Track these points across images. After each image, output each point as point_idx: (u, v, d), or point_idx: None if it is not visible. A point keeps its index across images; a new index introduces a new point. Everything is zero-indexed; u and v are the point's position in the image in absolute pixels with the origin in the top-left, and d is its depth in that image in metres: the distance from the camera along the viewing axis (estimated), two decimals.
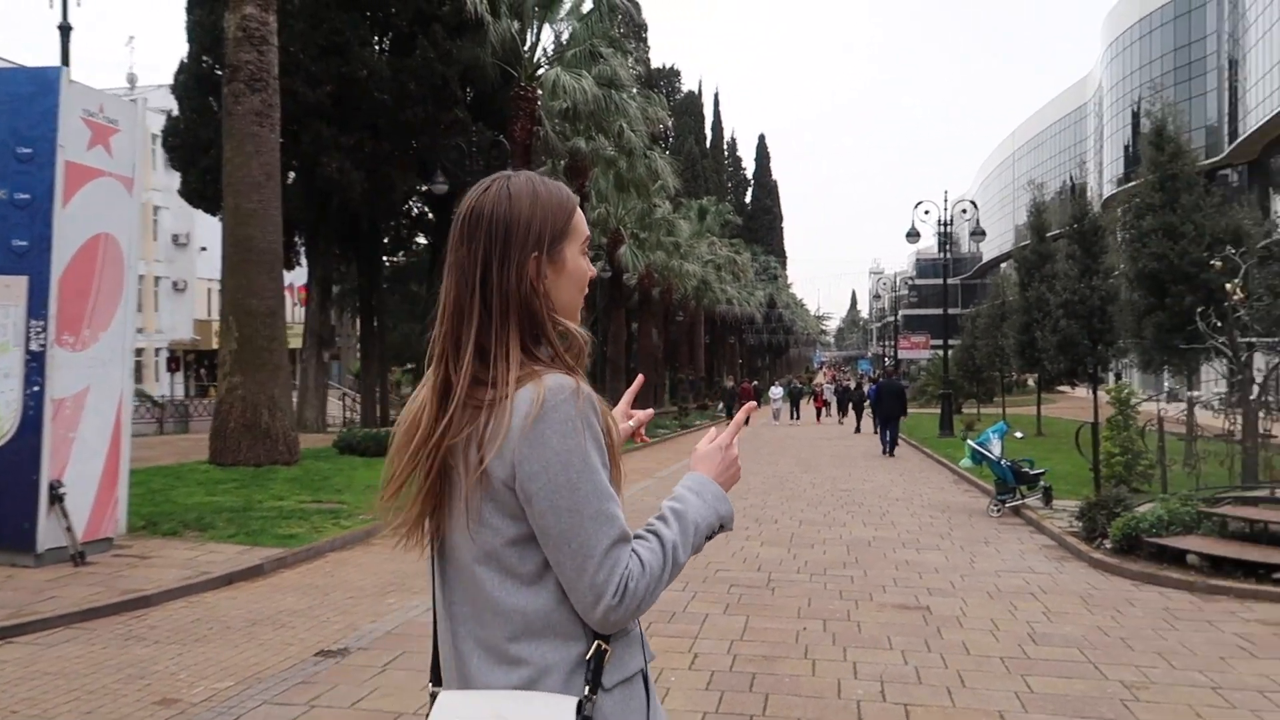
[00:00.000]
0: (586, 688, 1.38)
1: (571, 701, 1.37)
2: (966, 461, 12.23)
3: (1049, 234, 27.00)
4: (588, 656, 1.39)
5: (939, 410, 29.17)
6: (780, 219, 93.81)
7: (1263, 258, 14.35)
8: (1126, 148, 51.42)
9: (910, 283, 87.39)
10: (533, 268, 1.44)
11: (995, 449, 11.56)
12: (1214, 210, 16.77)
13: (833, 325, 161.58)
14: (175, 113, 23.70)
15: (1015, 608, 6.72)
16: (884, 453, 21.34)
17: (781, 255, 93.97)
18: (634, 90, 32.49)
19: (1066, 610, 6.65)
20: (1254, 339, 12.63)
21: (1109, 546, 8.55)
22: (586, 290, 1.55)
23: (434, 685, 1.52)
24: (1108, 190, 51.73)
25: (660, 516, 1.48)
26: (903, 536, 9.84)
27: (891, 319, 69.62)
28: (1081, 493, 10.93)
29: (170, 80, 23.74)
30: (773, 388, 34.45)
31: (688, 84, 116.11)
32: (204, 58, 22.29)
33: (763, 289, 71.15)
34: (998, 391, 35.13)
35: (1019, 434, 21.74)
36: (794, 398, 35.02)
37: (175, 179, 24.96)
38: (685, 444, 24.28)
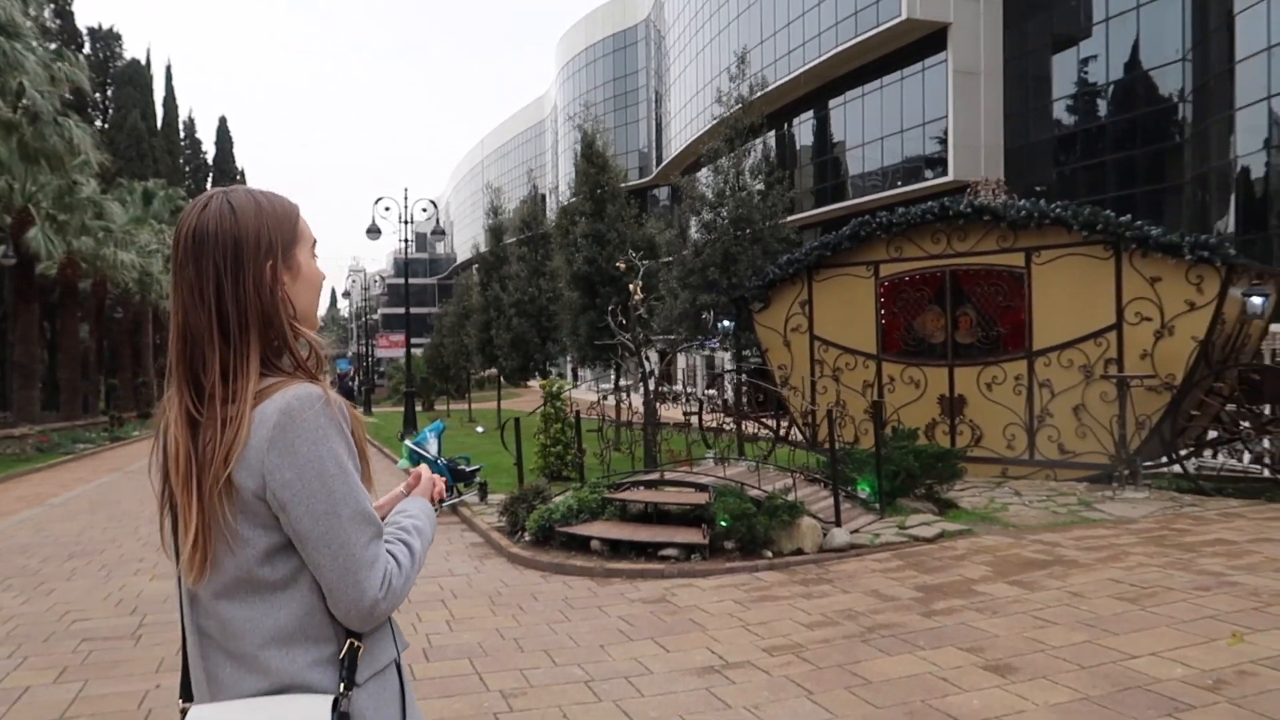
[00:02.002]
0: (341, 684, 1.43)
1: (327, 700, 1.41)
2: (404, 462, 11.89)
3: (512, 239, 28.20)
4: (341, 655, 1.45)
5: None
6: None
7: (667, 263, 16.21)
8: (576, 164, 56.66)
9: (386, 280, 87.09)
10: (269, 276, 1.48)
11: (432, 448, 11.36)
12: (634, 220, 18.70)
13: None
14: None
15: (420, 619, 6.35)
16: None
17: None
18: (48, 44, 27.33)
19: (472, 615, 6.45)
20: (655, 336, 14.12)
21: (527, 539, 8.71)
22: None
23: (184, 701, 1.54)
24: (563, 200, 56.53)
25: (403, 528, 1.58)
26: None
27: (366, 319, 68.62)
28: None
29: None
30: None
31: (133, 51, 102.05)
32: None
33: None
34: (469, 388, 36.15)
35: (480, 429, 22.27)
36: None
37: None
38: (114, 459, 20.87)
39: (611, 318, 10.74)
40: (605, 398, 10.71)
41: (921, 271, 11.95)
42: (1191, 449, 10.57)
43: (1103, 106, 26.61)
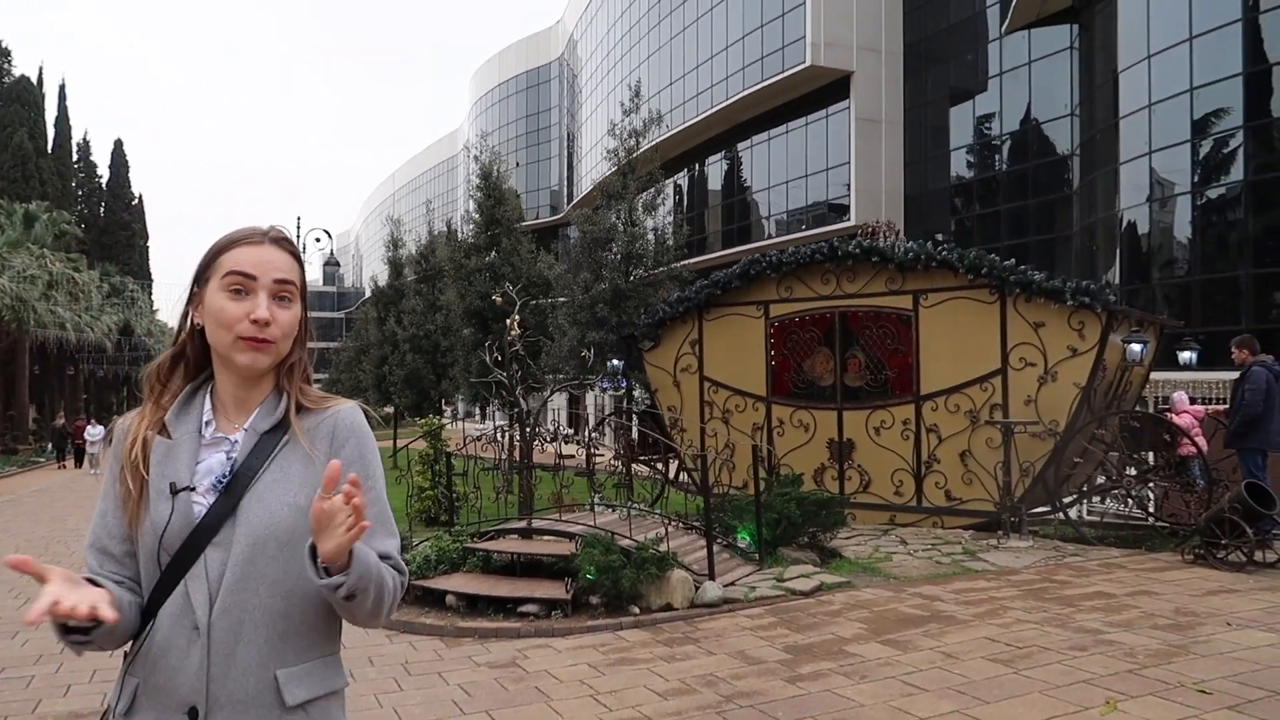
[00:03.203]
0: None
1: None
2: None
3: (412, 275, 27.39)
4: None
5: None
6: (144, 236, 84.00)
7: (561, 301, 15.70)
8: (471, 194, 55.96)
9: None
10: (191, 312, 1.61)
11: None
12: (531, 256, 18.19)
13: None
14: None
15: None
16: None
17: (146, 277, 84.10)
18: None
19: None
20: (547, 375, 13.53)
21: None
22: (242, 334, 1.53)
23: None
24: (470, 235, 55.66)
25: None
26: None
27: None
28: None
29: None
30: (90, 427, 28.51)
31: (24, 67, 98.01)
32: None
33: (114, 314, 62.38)
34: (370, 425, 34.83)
35: None
36: None
37: None
38: None
39: (488, 354, 10.16)
40: (478, 437, 10.08)
41: (811, 312, 11.71)
42: (1075, 496, 10.46)
43: (997, 158, 27.36)
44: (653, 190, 14.82)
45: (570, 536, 7.92)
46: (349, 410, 1.67)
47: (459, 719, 5.04)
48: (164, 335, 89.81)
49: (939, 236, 27.81)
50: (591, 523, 8.17)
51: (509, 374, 9.83)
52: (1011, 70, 26.03)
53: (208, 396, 1.61)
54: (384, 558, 1.57)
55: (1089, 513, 11.31)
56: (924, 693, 5.14)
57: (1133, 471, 10.34)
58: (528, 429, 9.96)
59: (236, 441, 1.57)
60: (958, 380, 10.64)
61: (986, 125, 27.40)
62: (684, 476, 12.56)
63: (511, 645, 6.59)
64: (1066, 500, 10.24)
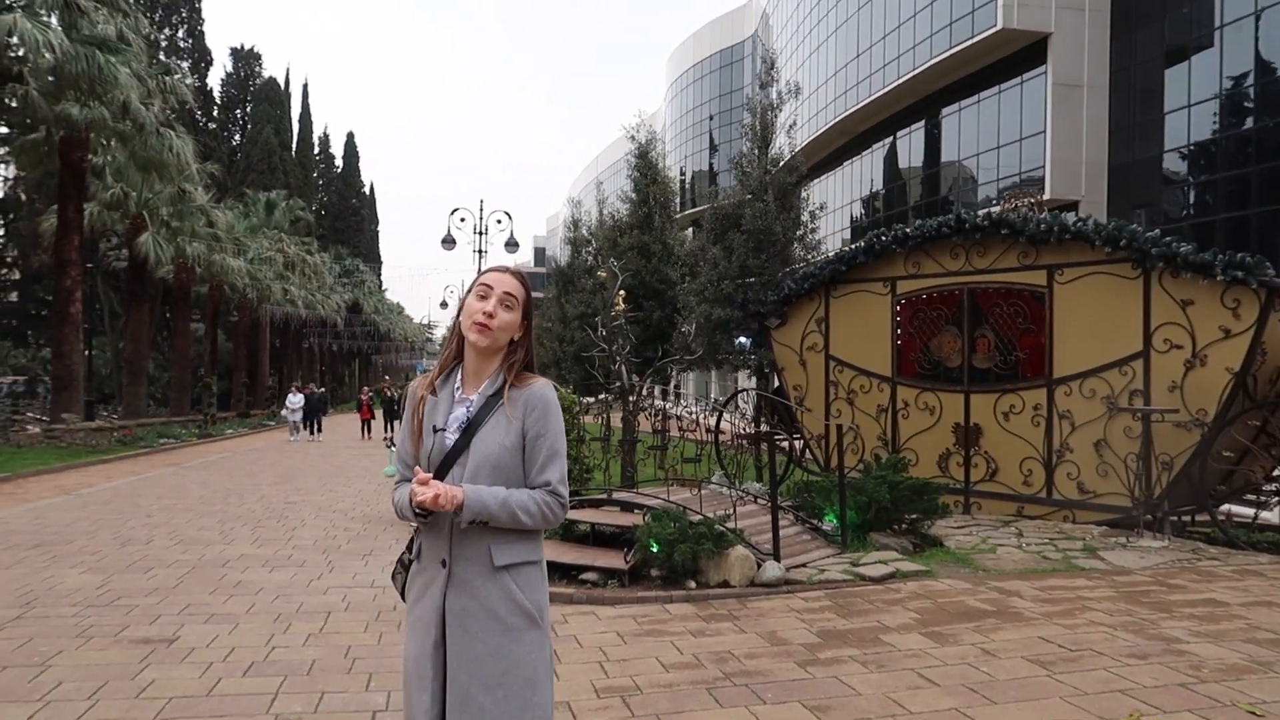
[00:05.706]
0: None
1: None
2: (390, 469, 11.79)
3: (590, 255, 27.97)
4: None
5: None
6: (373, 221, 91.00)
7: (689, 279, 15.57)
8: (682, 179, 56.38)
9: None
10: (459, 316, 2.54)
11: None
12: (683, 234, 18.21)
13: (441, 334, 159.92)
14: None
15: (288, 630, 6.11)
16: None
17: (376, 259, 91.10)
18: (175, 61, 28.86)
19: (339, 631, 6.15)
20: (681, 353, 13.52)
21: None
22: (475, 320, 2.42)
23: None
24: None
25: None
26: (280, 554, 9.00)
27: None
28: None
29: None
30: (290, 395, 30.49)
31: (273, 69, 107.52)
32: None
33: (344, 292, 68.09)
34: None
35: None
36: (312, 410, 29.91)
37: None
38: (185, 455, 21.76)
39: (592, 330, 10.34)
40: (586, 410, 10.31)
41: (939, 289, 11.07)
42: (1227, 495, 9.34)
43: (1215, 121, 24.53)
44: (788, 169, 14.43)
45: (642, 509, 7.99)
46: (540, 386, 2.45)
47: None
48: (391, 313, 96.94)
49: (1163, 212, 25.35)
50: (666, 497, 8.19)
51: (612, 349, 9.97)
52: (1233, 22, 23.19)
53: (460, 371, 2.51)
54: (544, 485, 2.40)
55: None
56: (933, 687, 4.84)
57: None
58: (630, 403, 10.09)
59: (473, 401, 2.45)
60: (1094, 363, 9.75)
61: (1204, 85, 24.60)
62: (808, 455, 12.30)
63: (559, 610, 6.74)
64: (1222, 498, 9.17)
